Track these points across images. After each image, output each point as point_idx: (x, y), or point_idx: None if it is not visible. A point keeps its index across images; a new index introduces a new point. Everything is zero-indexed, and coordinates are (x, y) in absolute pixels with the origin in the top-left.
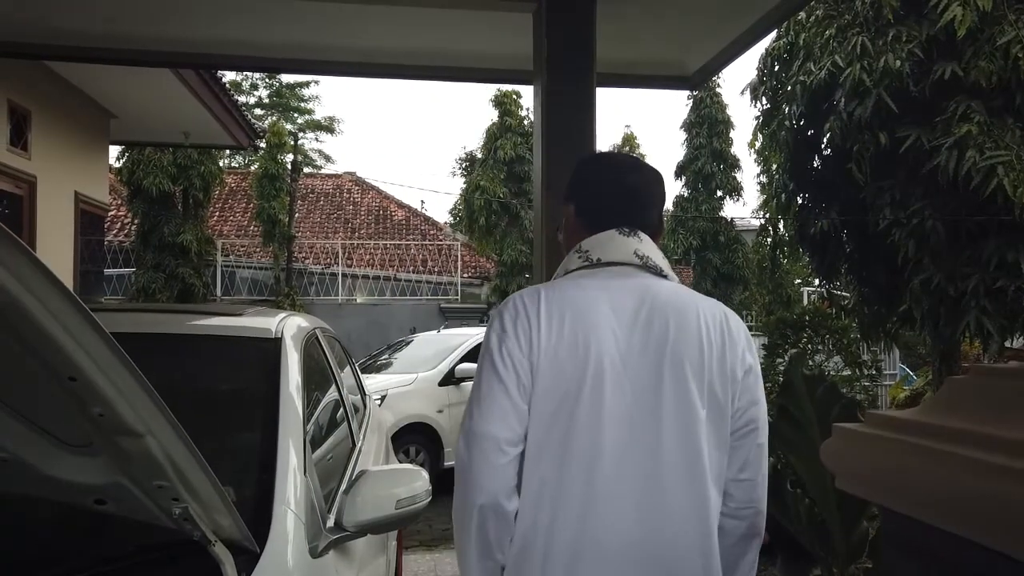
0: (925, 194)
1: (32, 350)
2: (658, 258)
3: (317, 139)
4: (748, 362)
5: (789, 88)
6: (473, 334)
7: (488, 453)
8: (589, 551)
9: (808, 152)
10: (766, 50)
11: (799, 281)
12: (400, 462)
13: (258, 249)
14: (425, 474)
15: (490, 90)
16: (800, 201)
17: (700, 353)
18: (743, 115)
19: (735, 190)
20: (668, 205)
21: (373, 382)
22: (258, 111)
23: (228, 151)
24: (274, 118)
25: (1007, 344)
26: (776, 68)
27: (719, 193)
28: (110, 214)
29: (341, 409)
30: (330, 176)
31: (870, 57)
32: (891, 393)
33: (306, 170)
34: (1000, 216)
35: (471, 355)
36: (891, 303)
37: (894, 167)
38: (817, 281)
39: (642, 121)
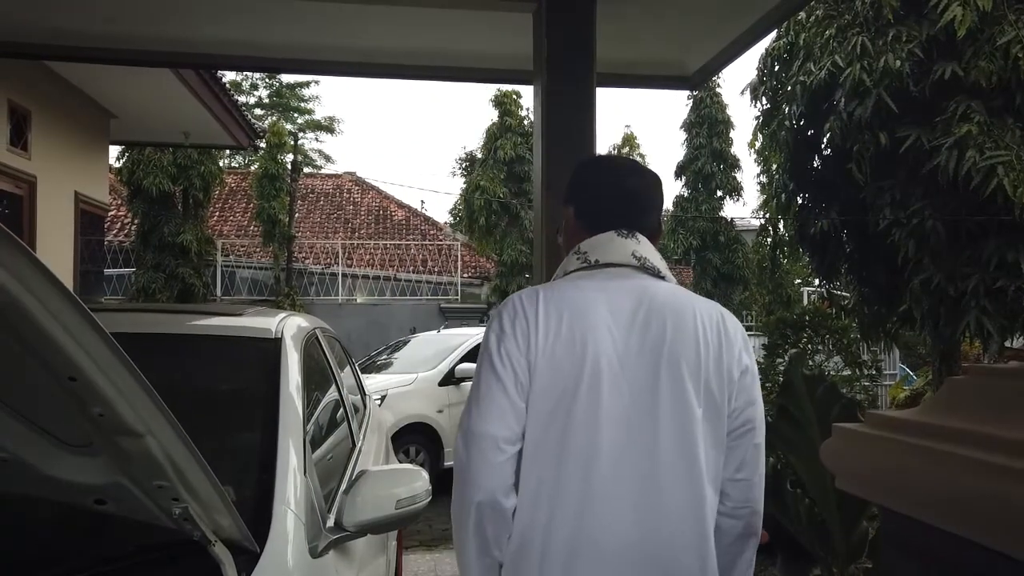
0: (925, 194)
1: (32, 350)
2: (656, 260)
3: (317, 139)
4: (745, 363)
5: (789, 88)
6: (473, 334)
7: (486, 451)
8: (586, 551)
9: (808, 152)
10: (766, 50)
11: (799, 281)
12: (400, 462)
13: (258, 249)
14: (425, 474)
15: (490, 90)
16: (800, 201)
17: (697, 354)
18: (743, 115)
19: (735, 190)
20: (668, 205)
21: (373, 382)
22: (258, 111)
23: (228, 151)
24: (274, 118)
25: (1007, 344)
26: (776, 68)
27: (719, 193)
28: (110, 214)
29: (341, 409)
30: (330, 176)
31: (870, 57)
32: (891, 393)
33: (306, 170)
34: (1000, 216)
35: (471, 355)
36: (891, 303)
37: (894, 167)
38: (817, 281)
39: (642, 121)
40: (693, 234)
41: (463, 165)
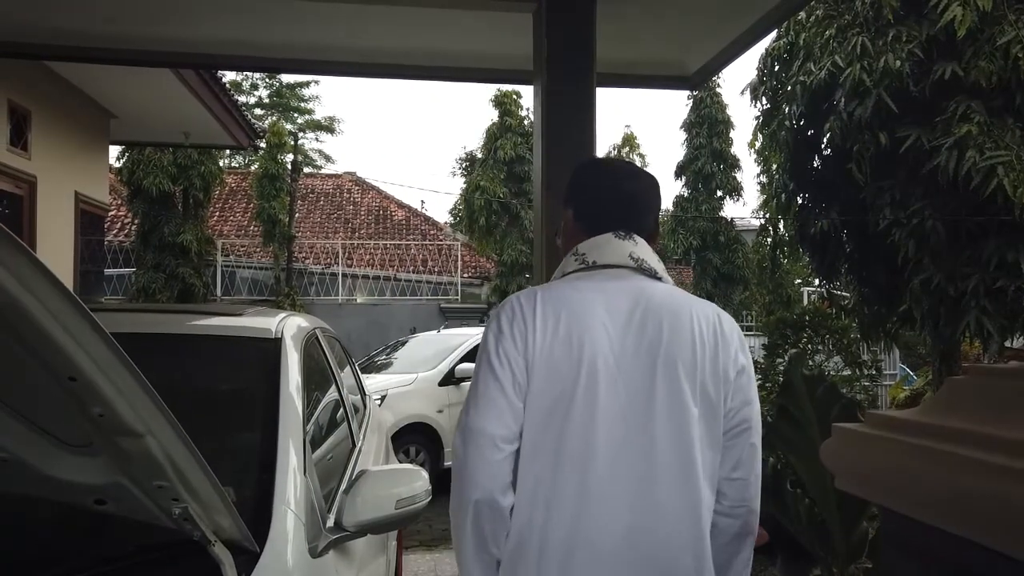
0: (925, 194)
1: (32, 350)
2: (653, 261)
3: (317, 139)
4: (741, 363)
5: (789, 88)
6: (473, 334)
7: (484, 449)
8: (583, 550)
9: (808, 152)
10: (766, 50)
11: (799, 281)
12: (400, 462)
13: (258, 249)
14: (425, 474)
15: (490, 90)
16: (800, 201)
17: (693, 354)
18: (743, 115)
19: (735, 190)
20: (668, 205)
21: (373, 382)
22: (258, 111)
23: (228, 151)
24: (274, 118)
25: (1007, 344)
26: (776, 68)
27: (719, 193)
28: (110, 214)
29: (341, 409)
30: (330, 176)
31: (870, 57)
32: (891, 393)
33: (306, 170)
34: (1000, 216)
35: (471, 355)
36: (891, 303)
37: (894, 167)
38: (817, 281)
39: (642, 121)
40: (693, 234)
41: (463, 165)
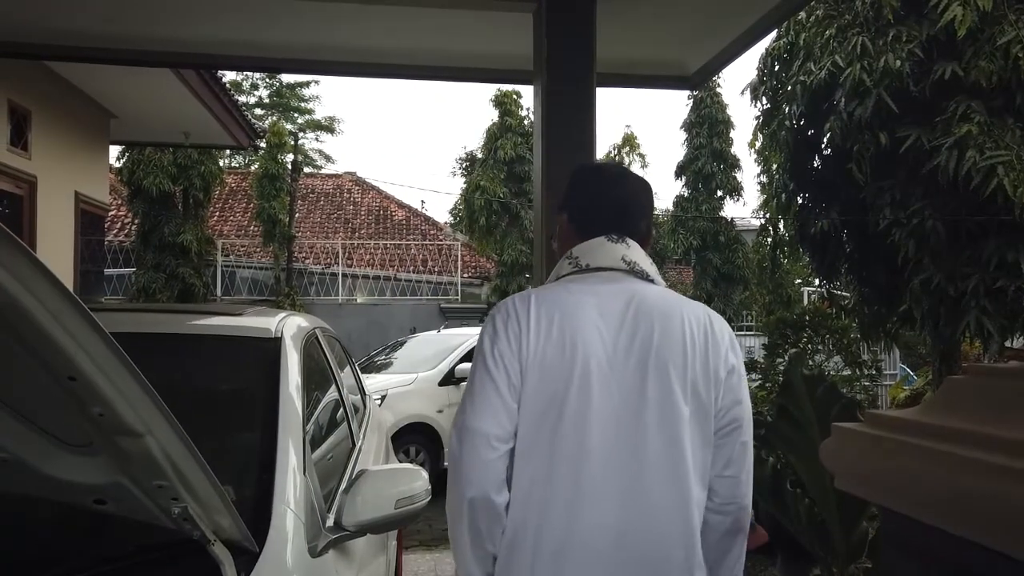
0: (925, 194)
1: (32, 350)
2: (645, 264)
3: (317, 139)
4: (731, 363)
5: (789, 88)
6: (473, 334)
7: (479, 448)
8: (576, 547)
9: (808, 152)
10: (766, 50)
11: (799, 281)
12: (400, 462)
13: (258, 249)
14: (425, 474)
15: (490, 90)
16: (800, 201)
17: (684, 354)
18: (743, 115)
19: (735, 190)
20: (668, 205)
21: (373, 382)
22: (258, 111)
23: (228, 151)
24: (274, 118)
25: (1007, 344)
26: (776, 68)
27: (719, 193)
28: (110, 214)
29: (341, 409)
30: (330, 176)
31: (870, 57)
32: (891, 393)
33: (306, 170)
34: (1000, 216)
35: (471, 355)
36: (891, 303)
37: (894, 167)
38: (817, 281)
39: (642, 121)
40: (693, 234)
41: (463, 165)
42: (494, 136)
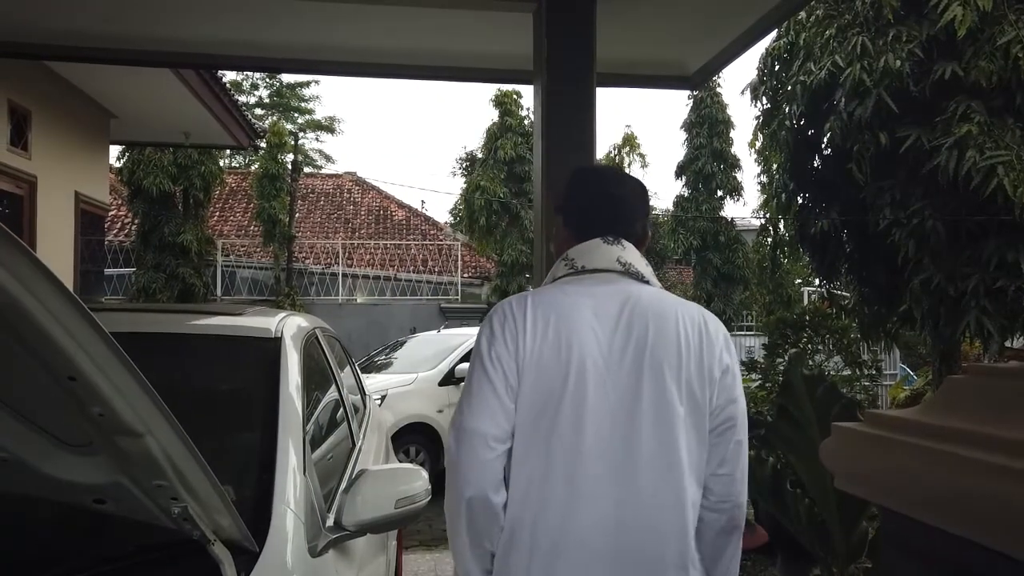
0: (925, 194)
1: (32, 350)
2: (641, 265)
3: (317, 139)
4: (726, 362)
5: (789, 88)
6: (473, 334)
7: (476, 448)
8: (572, 544)
9: (808, 152)
10: (766, 50)
11: (799, 281)
12: (400, 462)
13: (258, 249)
14: (425, 473)
15: (490, 90)
16: (800, 201)
17: (678, 355)
18: (743, 115)
19: (735, 190)
20: (668, 205)
21: (373, 382)
22: (258, 111)
23: (228, 151)
24: (274, 118)
25: (1007, 344)
26: (776, 68)
27: (719, 193)
28: (110, 214)
29: (341, 409)
30: (330, 176)
31: (870, 57)
32: (891, 393)
33: (306, 170)
34: (1000, 216)
35: (471, 355)
36: (891, 303)
37: (894, 167)
38: (817, 281)
39: (642, 121)
40: (693, 234)
41: (463, 165)
42: (494, 136)
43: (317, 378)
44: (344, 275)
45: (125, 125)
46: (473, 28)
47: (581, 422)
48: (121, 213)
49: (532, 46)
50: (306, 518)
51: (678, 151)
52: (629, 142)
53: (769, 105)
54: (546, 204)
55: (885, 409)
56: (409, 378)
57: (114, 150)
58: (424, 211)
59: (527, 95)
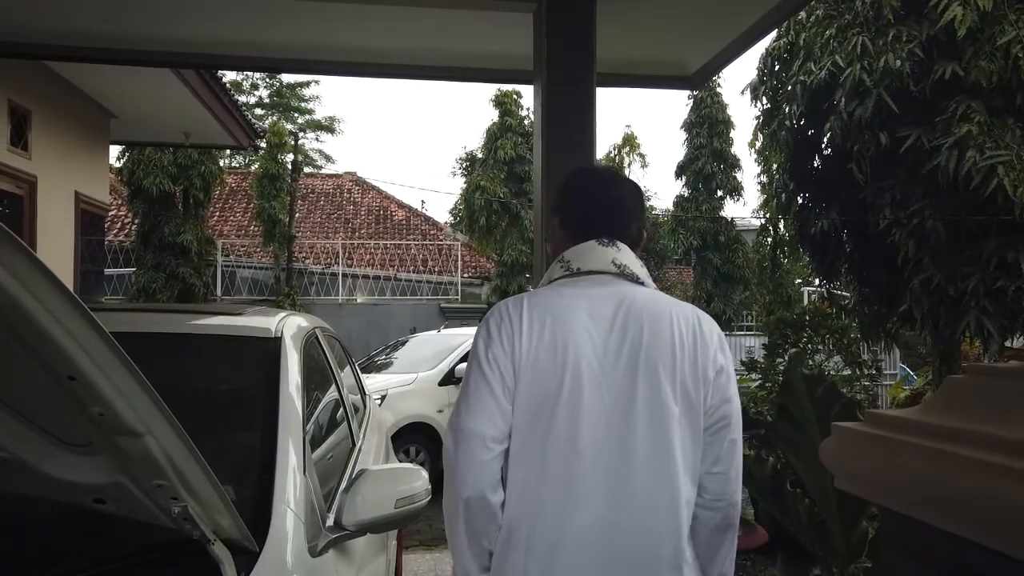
0: (925, 194)
1: (32, 350)
2: (636, 267)
3: (317, 139)
4: (720, 363)
5: (789, 88)
6: (473, 334)
7: (474, 449)
8: (568, 547)
9: (808, 152)
10: (766, 50)
11: (799, 281)
12: (400, 462)
13: (258, 249)
14: (425, 473)
15: (490, 90)
16: (800, 201)
17: (673, 356)
18: (743, 115)
19: (735, 190)
20: (668, 205)
21: (373, 382)
22: (258, 111)
23: (228, 151)
24: (274, 118)
25: (1007, 344)
26: (776, 68)
27: (719, 193)
28: (110, 214)
29: (341, 409)
30: (330, 176)
31: (870, 57)
32: (891, 393)
33: (306, 170)
34: (1000, 216)
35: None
36: (891, 303)
37: (894, 167)
38: (817, 281)
39: (642, 121)
40: (693, 234)
41: (463, 165)
42: (494, 136)
43: (317, 378)
44: (344, 275)
45: (125, 125)
46: (473, 28)
47: (577, 423)
48: (121, 213)
49: (532, 46)
50: (306, 518)
51: (678, 151)
52: (629, 142)
53: (769, 105)
54: (546, 204)
55: (885, 409)
56: (409, 378)
57: (114, 150)
58: (424, 211)
59: (527, 95)
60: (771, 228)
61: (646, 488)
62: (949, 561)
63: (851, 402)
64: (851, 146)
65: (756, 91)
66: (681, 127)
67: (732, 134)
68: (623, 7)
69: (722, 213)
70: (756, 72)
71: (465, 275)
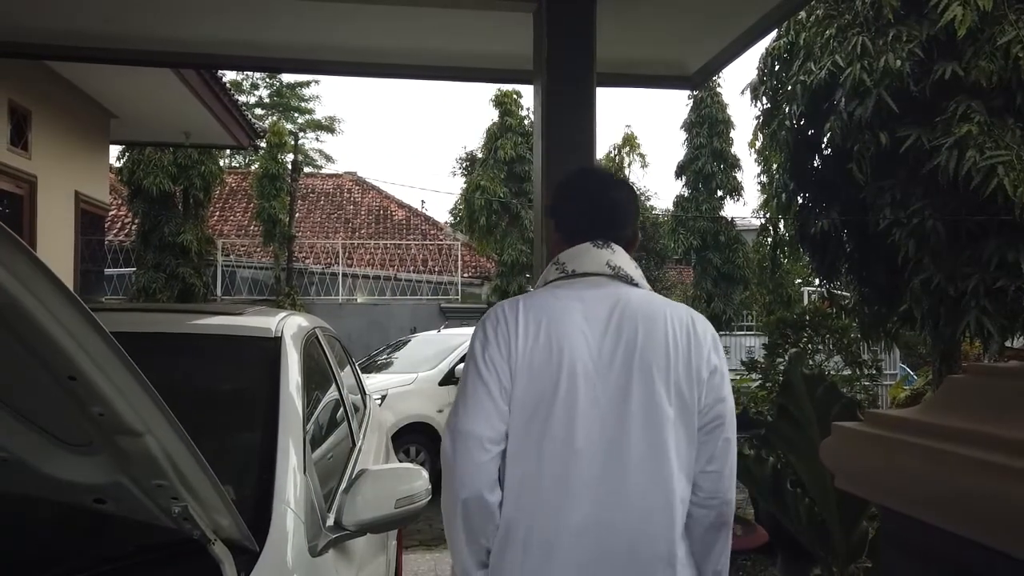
0: (925, 194)
1: (32, 350)
2: (630, 268)
3: (318, 139)
4: (714, 363)
5: (789, 88)
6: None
7: (472, 450)
8: (564, 545)
9: (808, 152)
10: (766, 50)
11: (799, 281)
12: (400, 461)
13: (258, 249)
14: (425, 473)
15: (490, 90)
16: (800, 201)
17: (667, 356)
18: (743, 115)
19: (735, 190)
20: (668, 205)
21: (373, 382)
22: (258, 111)
23: (228, 151)
24: (274, 118)
25: (1007, 344)
26: (776, 68)
27: (719, 193)
28: (110, 214)
29: (341, 408)
30: (330, 176)
31: (870, 57)
32: (891, 393)
33: (306, 170)
34: (1000, 216)
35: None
36: (891, 303)
37: (894, 167)
38: (817, 281)
39: (642, 121)
40: (693, 234)
41: (463, 165)
42: (494, 136)
43: (317, 378)
44: (344, 275)
45: (125, 125)
46: (473, 28)
47: (572, 424)
48: (121, 213)
49: (532, 46)
50: (306, 518)
51: (678, 151)
52: (629, 142)
53: (769, 105)
54: (546, 204)
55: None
56: (409, 378)
57: (114, 150)
58: (424, 211)
59: (527, 95)
60: (771, 228)
61: (640, 488)
62: (949, 561)
63: (851, 402)
64: (851, 146)
65: (756, 91)
66: (681, 127)
67: (732, 134)
68: (623, 7)
69: (722, 213)
70: (756, 72)
71: (465, 275)
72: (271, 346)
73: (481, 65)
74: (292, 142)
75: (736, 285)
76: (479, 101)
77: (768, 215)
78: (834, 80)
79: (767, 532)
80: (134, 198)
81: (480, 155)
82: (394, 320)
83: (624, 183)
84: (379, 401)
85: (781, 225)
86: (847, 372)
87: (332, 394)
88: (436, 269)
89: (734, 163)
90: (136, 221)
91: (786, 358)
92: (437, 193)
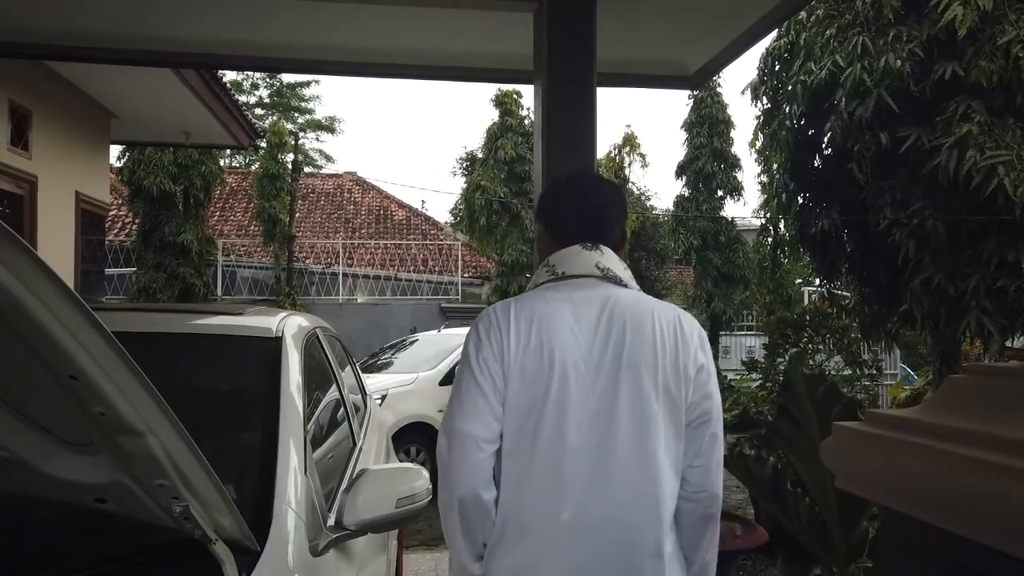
0: (926, 194)
1: (33, 349)
2: (619, 269)
3: (318, 139)
4: (700, 361)
5: (790, 88)
6: None
7: (468, 450)
8: (558, 543)
9: (809, 152)
10: (767, 50)
11: (800, 281)
12: (401, 461)
13: (259, 249)
14: (425, 473)
15: (490, 90)
16: (801, 201)
17: (655, 355)
18: (744, 115)
19: (736, 190)
20: (669, 205)
21: (374, 382)
22: (259, 111)
23: (229, 151)
24: (275, 118)
25: (1008, 344)
26: (777, 68)
27: (720, 193)
28: (111, 214)
29: (342, 408)
30: (331, 176)
31: (871, 57)
32: (891, 393)
33: (307, 170)
34: (1000, 216)
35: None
36: (891, 303)
37: (895, 167)
38: (818, 281)
39: (642, 121)
40: (694, 234)
41: (464, 165)
42: (494, 136)
43: (318, 378)
44: (344, 275)
45: (125, 125)
46: (473, 28)
47: (564, 424)
48: (121, 213)
49: (532, 46)
50: (307, 517)
51: (678, 151)
52: (629, 142)
53: (769, 105)
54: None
55: (885, 409)
56: (409, 378)
57: (114, 150)
58: (424, 211)
59: (527, 95)
60: (771, 228)
61: (629, 484)
62: (949, 561)
63: (851, 402)
64: (851, 146)
65: (756, 91)
66: (681, 127)
67: (732, 134)
68: (623, 7)
69: (722, 213)
70: (756, 72)
71: (465, 275)
72: (272, 346)
73: (481, 65)
74: (292, 142)
75: (736, 285)
76: (479, 101)
77: (768, 215)
78: (834, 80)
79: (767, 532)
80: (134, 198)
81: (480, 155)
82: (394, 320)
83: (612, 185)
84: (379, 401)
85: (781, 225)
86: (847, 372)
87: (333, 394)
88: (436, 269)
89: (734, 163)
90: (136, 221)
91: (786, 358)
92: (437, 193)
